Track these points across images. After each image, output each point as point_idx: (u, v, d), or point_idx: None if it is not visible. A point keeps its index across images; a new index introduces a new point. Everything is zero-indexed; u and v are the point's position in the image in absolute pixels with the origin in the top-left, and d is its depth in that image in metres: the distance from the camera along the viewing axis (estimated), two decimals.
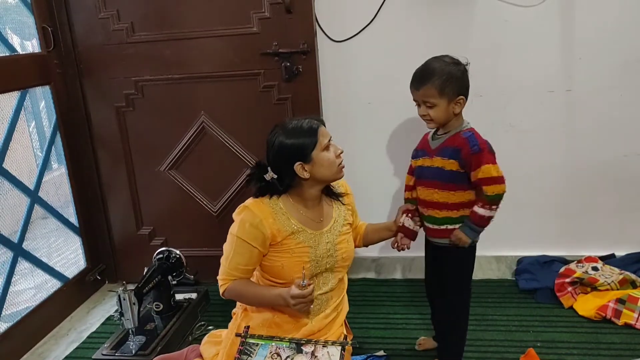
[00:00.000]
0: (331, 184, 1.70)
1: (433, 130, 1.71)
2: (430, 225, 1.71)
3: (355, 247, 1.85)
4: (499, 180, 1.57)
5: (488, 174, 1.56)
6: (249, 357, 1.51)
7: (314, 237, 1.62)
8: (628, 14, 2.11)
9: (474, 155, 1.57)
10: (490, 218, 1.61)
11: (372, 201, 2.44)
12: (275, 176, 1.60)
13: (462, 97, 1.60)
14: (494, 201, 1.58)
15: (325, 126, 1.62)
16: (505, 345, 1.99)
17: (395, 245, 1.80)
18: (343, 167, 1.62)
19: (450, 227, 1.66)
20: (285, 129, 1.57)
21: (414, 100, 1.66)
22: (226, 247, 1.63)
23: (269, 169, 1.60)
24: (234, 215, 1.63)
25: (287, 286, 1.56)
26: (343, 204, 1.74)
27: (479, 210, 1.60)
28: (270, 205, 1.61)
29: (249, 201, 1.63)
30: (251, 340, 1.56)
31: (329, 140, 1.59)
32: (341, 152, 1.61)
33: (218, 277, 1.64)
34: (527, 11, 2.15)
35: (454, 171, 1.61)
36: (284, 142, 1.56)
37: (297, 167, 1.56)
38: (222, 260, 1.63)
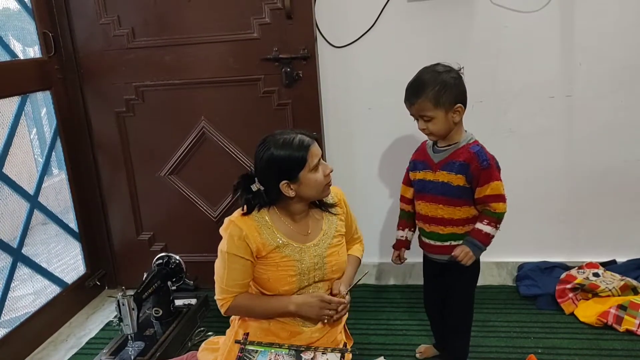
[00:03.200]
0: None
1: (430, 142, 1.67)
2: (432, 242, 1.67)
3: None
4: (504, 198, 1.55)
5: (497, 191, 1.53)
6: None
7: (300, 251, 1.59)
8: (628, 19, 2.11)
9: (483, 170, 1.53)
10: (492, 237, 1.58)
11: (372, 207, 2.44)
12: (262, 188, 1.57)
13: (459, 105, 1.54)
14: (500, 219, 1.55)
15: (318, 141, 1.58)
16: (506, 352, 1.98)
17: (397, 260, 1.82)
18: (330, 185, 1.59)
19: (454, 243, 1.63)
20: (275, 143, 1.52)
21: (411, 115, 1.62)
22: (218, 265, 1.59)
23: (256, 179, 1.57)
24: (221, 231, 1.60)
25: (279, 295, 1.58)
26: (334, 214, 1.70)
27: (485, 227, 1.56)
28: (256, 219, 1.58)
29: (235, 215, 1.60)
30: (250, 347, 1.55)
31: (319, 160, 1.55)
32: (330, 171, 1.57)
33: (216, 297, 1.60)
34: (527, 17, 2.15)
35: (461, 186, 1.57)
36: (272, 158, 1.51)
37: (283, 185, 1.53)
38: (217, 279, 1.59)
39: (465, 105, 1.57)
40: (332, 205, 1.70)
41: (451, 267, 1.65)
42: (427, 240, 1.70)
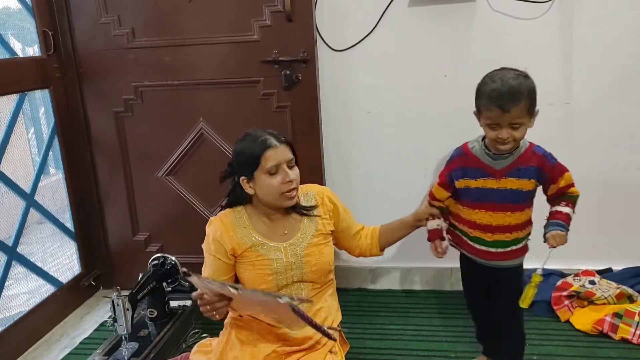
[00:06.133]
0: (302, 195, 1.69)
1: (479, 146, 1.60)
2: (494, 250, 1.63)
3: (371, 254, 1.82)
4: (574, 183, 1.57)
5: (570, 179, 1.56)
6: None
7: (276, 250, 1.61)
8: (627, 27, 2.12)
9: (554, 167, 1.54)
10: (572, 219, 1.58)
11: (370, 210, 2.43)
12: (235, 180, 1.62)
13: (537, 110, 1.52)
14: (576, 202, 1.57)
15: (288, 145, 1.57)
16: None
17: (438, 252, 1.72)
18: (291, 195, 1.57)
19: (514, 247, 1.62)
20: (244, 137, 1.59)
21: (494, 123, 1.48)
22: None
23: None
24: (206, 228, 1.67)
25: None
26: (315, 216, 1.69)
27: (565, 209, 1.55)
28: (235, 218, 1.63)
29: (218, 214, 1.66)
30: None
31: (278, 166, 1.54)
32: (290, 181, 1.55)
33: None
34: (527, 24, 2.16)
35: (531, 190, 1.57)
36: (235, 150, 1.59)
37: (243, 180, 1.58)
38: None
39: None
40: (310, 208, 1.69)
41: (508, 273, 1.66)
42: (487, 249, 1.64)
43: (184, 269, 1.34)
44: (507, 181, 1.56)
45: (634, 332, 2.00)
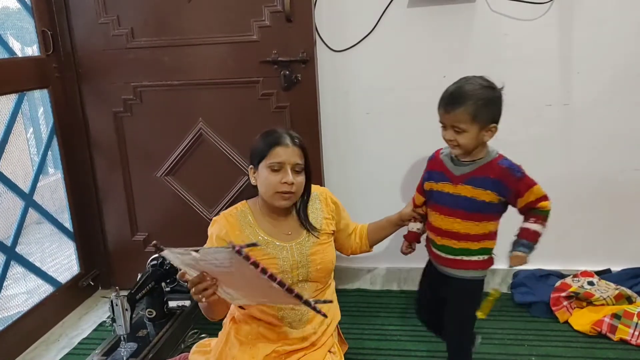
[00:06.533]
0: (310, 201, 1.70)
1: (448, 151, 1.61)
2: (443, 255, 1.62)
3: (361, 252, 1.86)
4: (547, 197, 1.53)
5: (540, 193, 1.52)
6: None
7: (282, 249, 1.60)
8: (626, 28, 2.12)
9: (520, 181, 1.51)
10: (541, 235, 1.54)
11: (371, 210, 2.42)
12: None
13: (494, 125, 1.51)
14: (548, 216, 1.53)
15: (301, 150, 1.58)
16: (499, 359, 1.98)
17: (407, 250, 1.80)
18: (284, 197, 1.56)
19: (466, 258, 1.58)
20: (268, 130, 1.62)
21: (441, 122, 1.54)
22: None
23: None
24: (208, 230, 1.65)
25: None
26: (315, 234, 1.68)
27: (533, 226, 1.52)
28: (239, 217, 1.62)
29: (221, 214, 1.65)
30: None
31: (282, 164, 1.54)
32: (287, 183, 1.54)
33: None
34: (526, 25, 2.16)
35: (487, 202, 1.53)
36: (254, 139, 1.62)
37: (250, 169, 1.62)
38: None
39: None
40: (313, 227, 1.67)
41: (456, 283, 1.62)
42: (437, 252, 1.65)
43: (155, 242, 1.27)
44: (462, 188, 1.55)
45: (633, 333, 2.00)
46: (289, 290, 1.24)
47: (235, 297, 1.43)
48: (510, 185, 1.51)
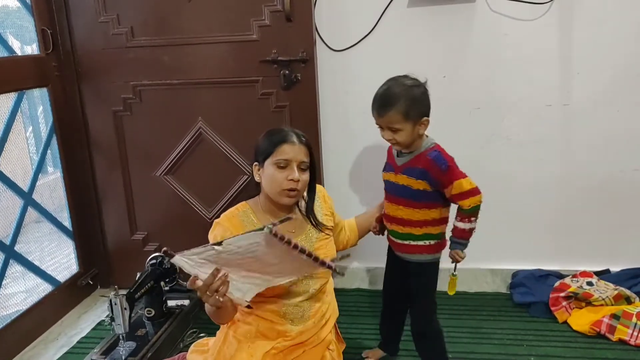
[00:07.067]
0: (316, 201, 1.71)
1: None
2: (394, 239, 1.74)
3: (352, 245, 1.91)
4: (473, 192, 1.59)
5: (460, 189, 1.58)
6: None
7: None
8: (626, 29, 2.12)
9: (444, 174, 1.58)
10: (472, 230, 1.63)
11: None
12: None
13: (426, 118, 1.60)
14: (472, 213, 1.60)
15: (307, 148, 1.59)
16: (498, 359, 1.97)
17: (376, 230, 1.86)
18: (290, 194, 1.56)
19: (412, 243, 1.68)
20: (274, 129, 1.63)
21: (377, 124, 1.65)
22: None
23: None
24: (209, 234, 1.62)
25: (266, 297, 1.56)
26: (320, 228, 1.70)
27: (459, 224, 1.63)
28: (242, 218, 1.62)
29: (222, 216, 1.64)
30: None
31: (288, 162, 1.55)
32: (293, 180, 1.54)
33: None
34: (526, 25, 2.16)
35: (421, 190, 1.62)
36: (259, 137, 1.62)
37: (255, 166, 1.62)
38: None
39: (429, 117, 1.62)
40: (319, 224, 1.70)
41: (411, 265, 1.72)
42: (390, 236, 1.77)
43: (165, 248, 1.26)
44: (401, 177, 1.66)
45: (632, 334, 2.00)
46: (317, 260, 1.31)
47: (248, 290, 1.45)
48: (435, 176, 1.60)
